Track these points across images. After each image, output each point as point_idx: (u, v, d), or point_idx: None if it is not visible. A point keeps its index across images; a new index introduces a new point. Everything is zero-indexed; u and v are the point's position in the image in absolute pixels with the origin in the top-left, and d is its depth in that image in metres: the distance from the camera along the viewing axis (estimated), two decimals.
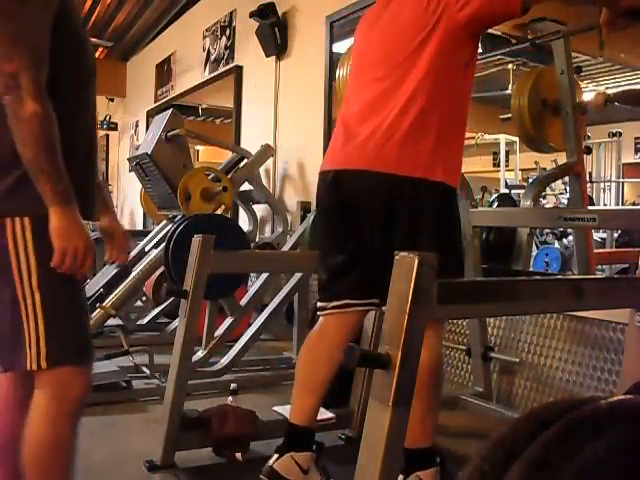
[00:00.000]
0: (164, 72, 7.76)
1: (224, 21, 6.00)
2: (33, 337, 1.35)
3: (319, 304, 1.95)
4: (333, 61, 4.17)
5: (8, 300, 1.36)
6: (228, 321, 3.30)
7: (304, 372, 1.95)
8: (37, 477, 1.40)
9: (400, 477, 1.80)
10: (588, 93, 5.19)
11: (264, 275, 3.38)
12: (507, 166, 8.33)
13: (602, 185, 6.66)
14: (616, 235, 5.21)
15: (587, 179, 5.21)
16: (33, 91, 1.26)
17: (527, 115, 3.07)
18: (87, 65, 1.48)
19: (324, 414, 2.51)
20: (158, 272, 4.21)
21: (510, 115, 3.13)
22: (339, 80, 2.72)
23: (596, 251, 3.53)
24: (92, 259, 1.37)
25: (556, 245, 5.36)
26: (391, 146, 1.74)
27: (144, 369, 3.21)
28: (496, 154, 8.80)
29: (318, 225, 2.13)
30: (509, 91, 5.04)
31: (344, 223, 1.85)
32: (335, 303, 1.88)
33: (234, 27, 5.83)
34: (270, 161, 4.86)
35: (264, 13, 4.79)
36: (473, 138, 7.03)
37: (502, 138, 8.02)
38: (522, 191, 5.69)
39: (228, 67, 5.83)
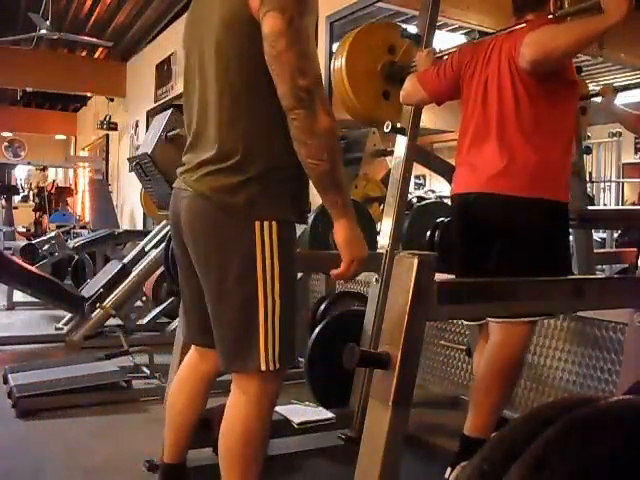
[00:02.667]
0: (164, 72, 7.76)
1: None
2: (270, 338, 1.37)
3: None
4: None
5: (241, 298, 1.38)
6: None
7: None
8: (235, 469, 1.45)
9: (448, 470, 1.90)
10: None
11: None
12: None
13: (602, 185, 6.65)
14: (616, 235, 5.19)
15: (587, 179, 5.21)
16: (325, 105, 1.28)
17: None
18: None
19: (324, 414, 2.51)
20: (158, 272, 4.21)
21: None
22: (334, 73, 2.65)
23: (596, 251, 3.52)
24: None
25: None
26: None
27: (144, 369, 3.21)
28: None
29: None
30: None
31: None
32: None
33: None
34: None
35: None
36: None
37: None
38: None
39: None
